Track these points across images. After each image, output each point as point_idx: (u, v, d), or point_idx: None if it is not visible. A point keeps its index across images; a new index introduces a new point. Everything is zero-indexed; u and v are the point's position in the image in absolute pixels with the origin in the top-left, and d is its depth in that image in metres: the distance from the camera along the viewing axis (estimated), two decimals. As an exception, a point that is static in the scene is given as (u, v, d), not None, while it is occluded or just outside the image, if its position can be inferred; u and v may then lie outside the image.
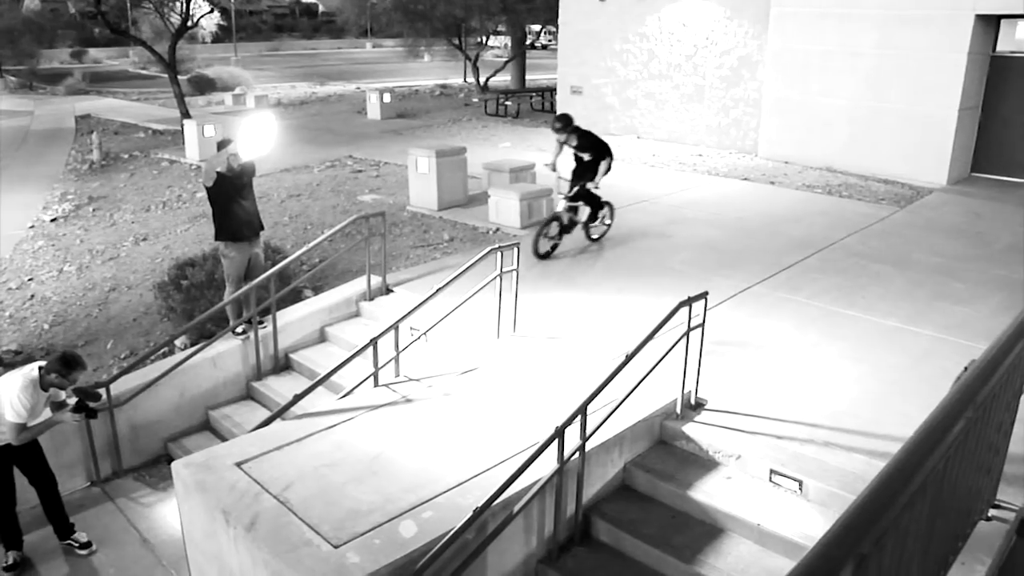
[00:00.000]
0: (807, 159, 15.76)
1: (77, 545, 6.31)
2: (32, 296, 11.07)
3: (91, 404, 6.14)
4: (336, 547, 4.34)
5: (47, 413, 6.06)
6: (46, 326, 10.05)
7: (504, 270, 7.25)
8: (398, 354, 6.97)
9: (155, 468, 7.39)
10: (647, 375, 5.42)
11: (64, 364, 5.83)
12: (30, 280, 11.71)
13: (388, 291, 8.98)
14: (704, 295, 5.70)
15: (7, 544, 6.18)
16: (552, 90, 23.52)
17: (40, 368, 5.87)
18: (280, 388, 7.82)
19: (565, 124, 9.80)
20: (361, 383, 6.69)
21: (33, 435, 5.96)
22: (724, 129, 17.91)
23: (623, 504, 5.40)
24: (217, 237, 8.11)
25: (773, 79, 16.32)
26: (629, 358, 5.22)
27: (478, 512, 4.35)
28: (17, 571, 6.12)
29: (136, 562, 6.18)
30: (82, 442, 7.06)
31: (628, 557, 5.08)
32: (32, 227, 14.45)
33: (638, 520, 5.21)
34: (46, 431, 6.08)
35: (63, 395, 6.16)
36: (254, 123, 7.63)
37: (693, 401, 5.97)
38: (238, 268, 8.10)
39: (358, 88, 33.89)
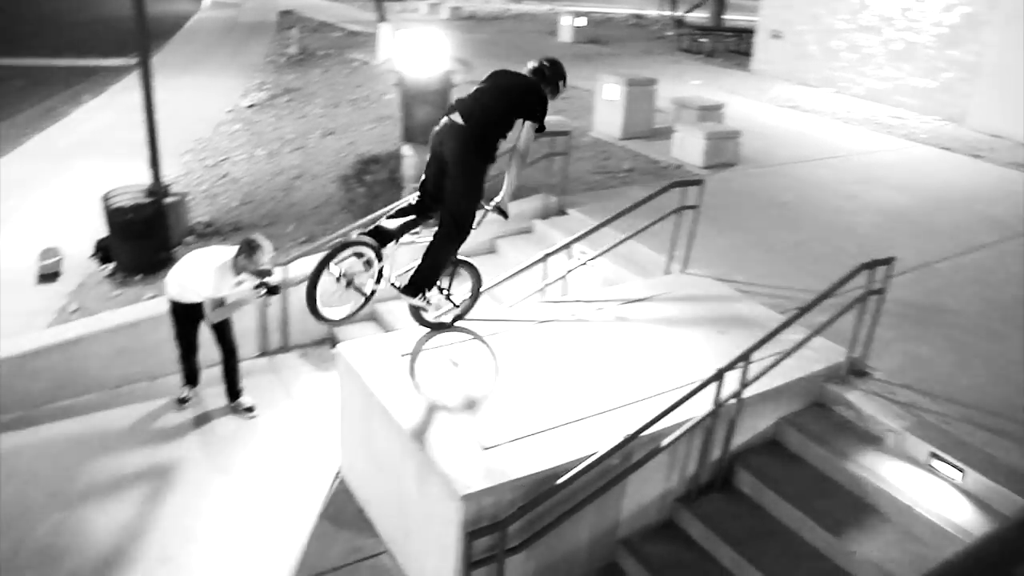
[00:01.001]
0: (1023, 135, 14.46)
1: (243, 408, 6.91)
2: (225, 175, 11.93)
3: (270, 282, 6.62)
4: (485, 449, 4.54)
5: (236, 294, 6.59)
6: (235, 204, 10.83)
7: (683, 206, 7.17)
8: (567, 274, 7.07)
9: (319, 348, 7.89)
10: (816, 332, 5.29)
11: (249, 249, 6.31)
12: (225, 160, 12.60)
13: (562, 212, 9.07)
14: (889, 260, 5.44)
15: (187, 380, 6.96)
16: (750, 32, 22.59)
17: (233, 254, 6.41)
18: (446, 291, 8.10)
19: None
20: (529, 296, 6.86)
21: (226, 314, 6.53)
22: (930, 93, 16.62)
23: (769, 459, 5.33)
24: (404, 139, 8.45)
25: (1000, 43, 14.96)
26: (802, 312, 5.11)
27: (627, 439, 4.44)
28: (188, 404, 6.97)
29: (289, 427, 6.71)
30: (258, 316, 7.64)
31: (766, 512, 5.03)
32: (231, 111, 15.45)
33: (782, 478, 5.13)
34: (237, 310, 6.63)
35: (248, 277, 6.66)
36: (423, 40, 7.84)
37: (860, 368, 5.77)
38: (418, 170, 8.42)
39: (551, 9, 33.71)
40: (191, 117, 14.89)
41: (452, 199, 5.14)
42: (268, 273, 6.62)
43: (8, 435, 6.66)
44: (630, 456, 4.63)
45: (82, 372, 7.17)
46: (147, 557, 5.31)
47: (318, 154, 12.50)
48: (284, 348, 7.90)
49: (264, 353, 7.80)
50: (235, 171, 12.11)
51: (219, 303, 6.38)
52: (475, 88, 5.28)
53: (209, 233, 9.53)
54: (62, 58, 23.44)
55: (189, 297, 6.47)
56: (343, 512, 5.70)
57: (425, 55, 8.13)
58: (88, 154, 13.69)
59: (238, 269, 6.37)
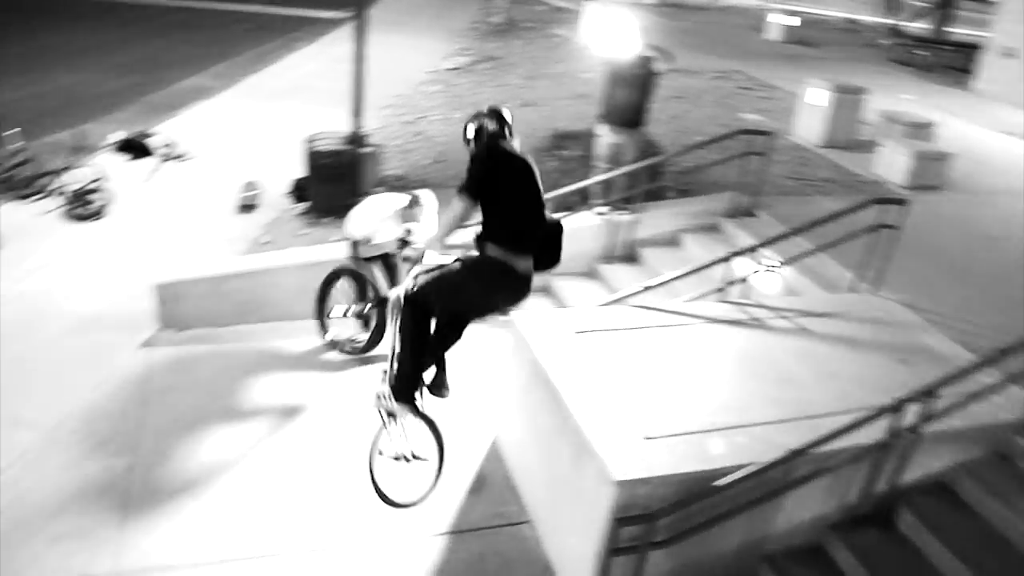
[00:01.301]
0: None
1: None
2: (420, 133, 12.30)
3: (411, 255, 6.73)
4: (646, 439, 4.46)
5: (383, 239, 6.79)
6: (427, 161, 11.15)
7: (882, 224, 6.79)
8: (748, 278, 6.85)
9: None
10: (1012, 380, 4.87)
11: (413, 201, 6.47)
12: (421, 118, 12.98)
13: (750, 213, 8.80)
14: None
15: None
16: (975, 47, 20.95)
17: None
18: (622, 276, 8.05)
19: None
20: (707, 294, 6.70)
21: (370, 252, 6.75)
22: None
23: (937, 503, 4.95)
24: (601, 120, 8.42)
25: None
26: (1000, 354, 4.71)
27: (792, 454, 4.25)
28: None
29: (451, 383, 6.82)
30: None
31: (924, 558, 4.68)
32: (432, 73, 15.89)
33: (949, 526, 4.75)
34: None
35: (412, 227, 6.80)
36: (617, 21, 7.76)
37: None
38: (609, 152, 8.38)
39: (760, 6, 32.68)
40: (393, 74, 15.41)
41: None
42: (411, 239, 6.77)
43: (194, 346, 7.17)
44: (791, 472, 4.44)
45: (266, 301, 7.59)
46: (295, 486, 5.58)
47: (513, 123, 12.64)
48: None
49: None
50: (430, 130, 12.45)
51: (367, 241, 6.59)
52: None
53: (399, 186, 9.84)
54: (284, 7, 24.81)
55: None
56: (492, 476, 5.77)
57: (621, 37, 8.06)
58: (294, 98, 14.45)
59: (404, 218, 6.54)
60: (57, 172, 10.64)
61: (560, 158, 9.48)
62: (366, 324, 6.76)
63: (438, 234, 4.95)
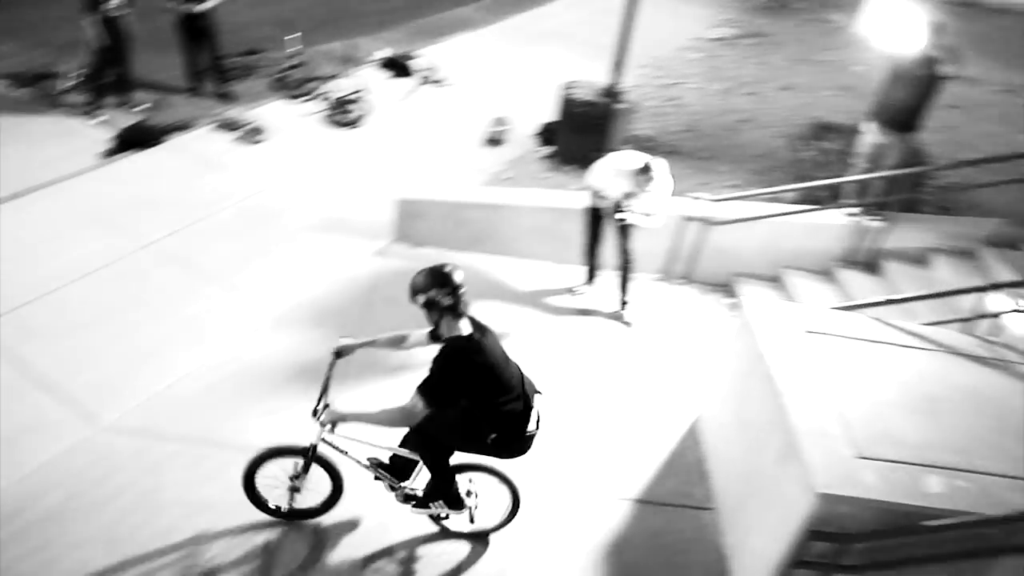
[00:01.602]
0: None
1: (623, 320, 7.14)
2: (675, 98, 12.14)
3: (625, 217, 6.67)
4: (860, 457, 4.24)
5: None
6: (677, 128, 11.01)
7: None
8: (1001, 314, 6.31)
9: (717, 292, 7.85)
10: None
11: (645, 170, 6.40)
12: (677, 84, 12.80)
13: (1015, 247, 8.05)
14: None
15: (587, 276, 7.37)
16: None
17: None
18: (860, 284, 7.64)
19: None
20: (950, 322, 6.25)
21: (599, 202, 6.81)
22: None
23: None
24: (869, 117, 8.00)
25: None
26: None
27: (1019, 517, 3.94)
28: (577, 296, 7.38)
29: (661, 355, 6.83)
30: (671, 240, 7.75)
31: None
32: (694, 39, 15.59)
33: None
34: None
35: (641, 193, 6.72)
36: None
37: None
38: (871, 152, 7.94)
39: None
40: (654, 35, 15.20)
41: None
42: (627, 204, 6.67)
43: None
44: (1012, 535, 4.09)
45: (499, 234, 7.81)
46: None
47: (770, 105, 12.24)
48: (686, 279, 7.96)
49: (665, 277, 7.92)
50: (685, 97, 12.26)
51: (598, 193, 6.65)
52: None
53: (646, 148, 9.79)
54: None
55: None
56: (686, 454, 5.73)
57: (907, 31, 7.49)
58: (553, 43, 14.61)
59: (634, 182, 6.48)
60: (325, 78, 11.37)
61: (818, 149, 9.06)
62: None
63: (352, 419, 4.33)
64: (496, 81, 12.46)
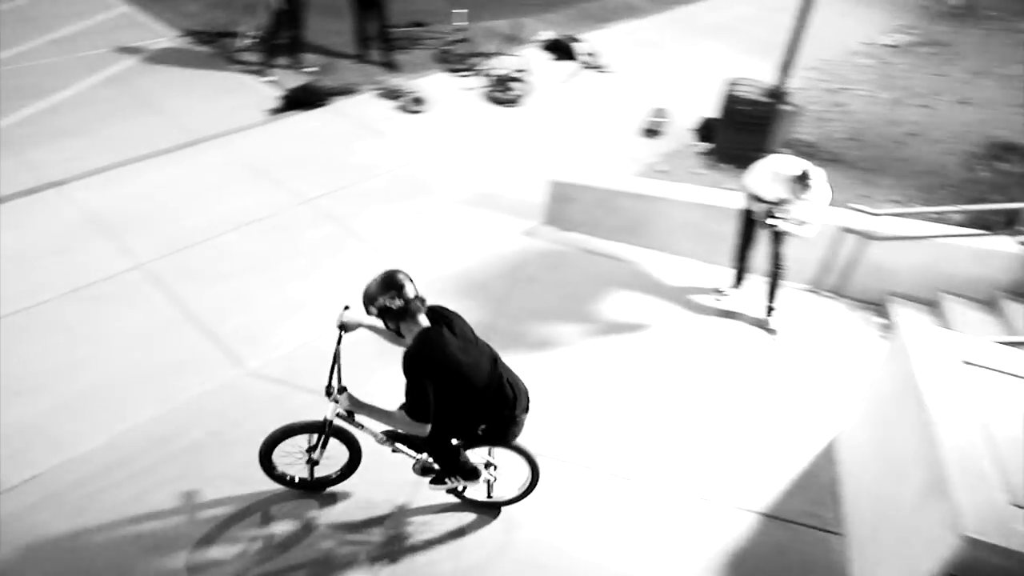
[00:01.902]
0: None
1: (767, 327, 6.97)
2: (841, 105, 11.69)
3: (777, 224, 6.44)
4: (1016, 506, 3.99)
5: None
6: (841, 135, 10.61)
7: None
8: None
9: (868, 310, 7.56)
10: None
11: (803, 178, 6.17)
12: (844, 90, 12.32)
13: None
14: None
15: (735, 278, 7.22)
16: None
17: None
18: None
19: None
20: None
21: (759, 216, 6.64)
22: None
23: None
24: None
25: None
26: None
27: None
28: (723, 298, 7.23)
29: (805, 365, 6.62)
30: (825, 250, 7.50)
31: None
32: (866, 44, 14.94)
33: None
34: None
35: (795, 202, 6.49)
36: None
37: None
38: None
39: None
40: (825, 37, 14.67)
41: None
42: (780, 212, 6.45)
43: (570, 248, 7.58)
44: None
45: (649, 227, 7.76)
46: (619, 410, 5.80)
47: (943, 119, 11.62)
48: (836, 293, 7.70)
49: (815, 289, 7.69)
50: (852, 104, 11.79)
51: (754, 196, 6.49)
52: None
53: (807, 154, 9.49)
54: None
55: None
56: (819, 474, 5.56)
57: None
58: (720, 37, 14.31)
59: (791, 188, 6.28)
60: (488, 55, 11.52)
61: (994, 170, 8.56)
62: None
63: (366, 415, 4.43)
64: (658, 71, 12.32)
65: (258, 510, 4.98)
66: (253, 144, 9.43)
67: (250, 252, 7.50)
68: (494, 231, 7.93)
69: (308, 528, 4.89)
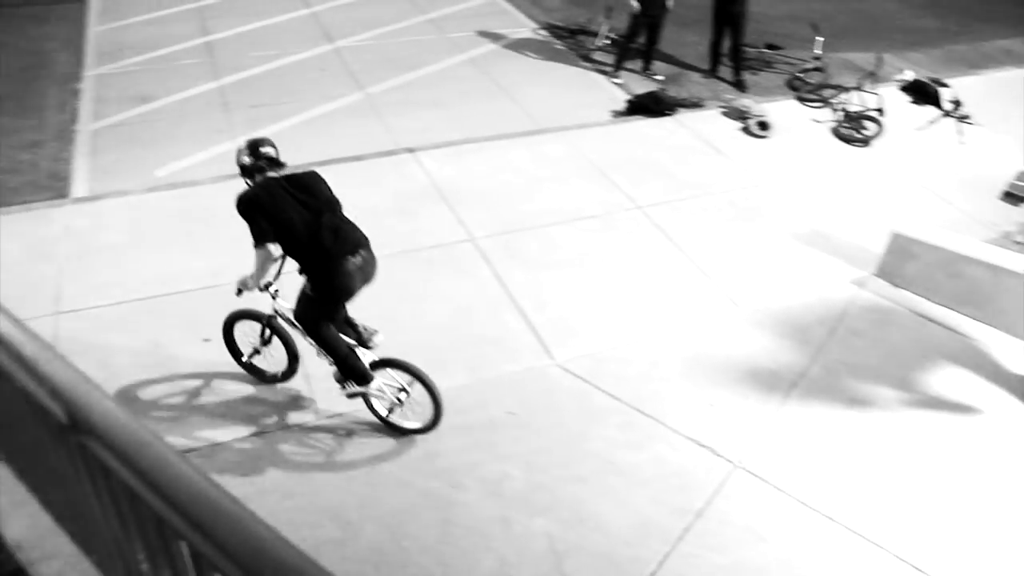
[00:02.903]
0: None
1: None
2: None
3: None
4: None
5: None
6: None
7: None
8: None
9: None
10: None
11: None
12: None
13: None
14: None
15: None
16: None
17: None
18: None
19: None
20: None
21: None
22: None
23: None
24: None
25: None
26: None
27: None
28: None
29: None
30: None
31: None
32: None
33: None
34: None
35: None
36: None
37: None
38: None
39: None
40: None
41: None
42: None
43: (899, 307, 7.11)
44: None
45: (991, 301, 7.06)
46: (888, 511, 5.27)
47: None
48: None
49: None
50: None
51: None
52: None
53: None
54: None
55: None
56: None
57: None
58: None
59: None
60: (842, 89, 11.03)
61: None
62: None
63: (252, 282, 5.15)
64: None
65: (545, 495, 5.17)
66: (595, 143, 9.74)
67: (577, 247, 7.77)
68: (822, 274, 7.63)
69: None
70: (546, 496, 5.18)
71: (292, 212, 4.90)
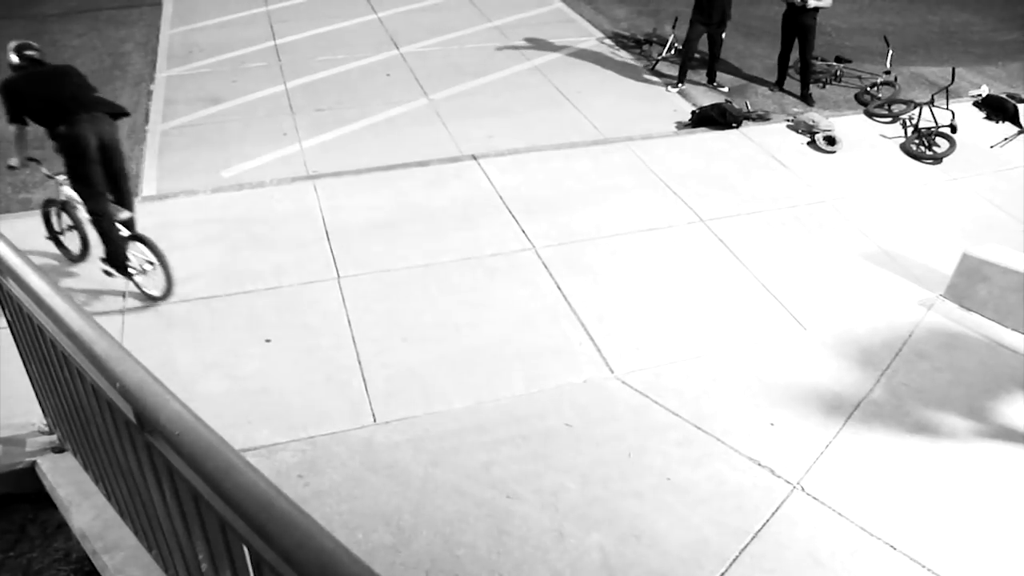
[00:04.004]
0: None
1: None
2: None
3: None
4: None
5: None
6: None
7: None
8: None
9: None
10: None
11: None
12: None
13: None
14: None
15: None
16: None
17: None
18: None
19: None
20: None
21: None
22: None
23: None
24: None
25: None
26: None
27: None
28: None
29: None
30: None
31: None
32: None
33: None
34: None
35: None
36: None
37: None
38: None
39: None
40: None
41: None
42: None
43: (958, 330, 6.90)
44: None
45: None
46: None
47: None
48: None
49: None
50: None
51: None
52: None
53: None
54: None
55: None
56: None
57: None
58: None
59: None
60: (913, 103, 10.76)
61: None
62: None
63: (16, 156, 6.66)
64: None
65: (600, 509, 5.10)
66: (659, 154, 9.65)
67: (639, 259, 7.70)
68: (889, 294, 7.44)
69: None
70: (602, 510, 5.10)
71: (43, 91, 6.34)
